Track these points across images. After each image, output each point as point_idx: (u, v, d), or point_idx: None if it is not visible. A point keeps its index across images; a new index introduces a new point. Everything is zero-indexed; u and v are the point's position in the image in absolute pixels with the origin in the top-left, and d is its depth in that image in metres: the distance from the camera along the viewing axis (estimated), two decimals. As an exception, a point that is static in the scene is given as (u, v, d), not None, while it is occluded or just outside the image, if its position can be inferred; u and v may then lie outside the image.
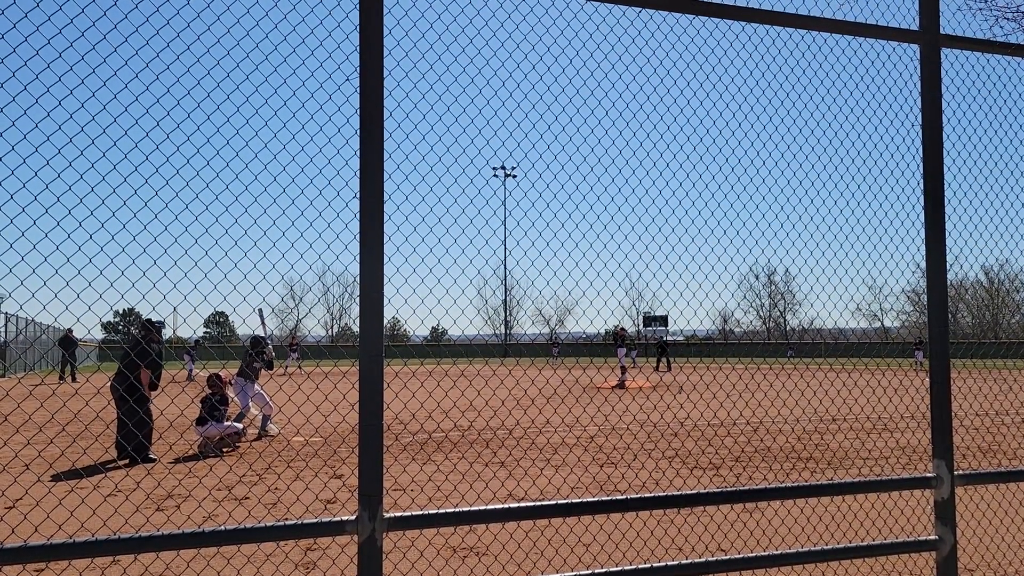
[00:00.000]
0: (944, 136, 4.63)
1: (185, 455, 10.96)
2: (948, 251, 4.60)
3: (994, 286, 73.72)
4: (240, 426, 11.56)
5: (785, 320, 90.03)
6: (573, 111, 4.25)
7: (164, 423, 12.62)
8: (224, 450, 11.22)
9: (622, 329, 28.01)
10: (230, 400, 11.80)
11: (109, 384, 10.35)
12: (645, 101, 4.44)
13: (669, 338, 48.20)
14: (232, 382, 12.67)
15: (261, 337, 13.71)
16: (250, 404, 13.11)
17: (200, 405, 11.22)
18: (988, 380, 27.23)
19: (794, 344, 64.49)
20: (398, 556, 5.86)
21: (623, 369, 26.24)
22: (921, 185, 4.61)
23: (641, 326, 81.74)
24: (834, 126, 4.96)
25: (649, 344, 61.27)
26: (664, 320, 70.14)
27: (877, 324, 75.97)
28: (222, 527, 3.33)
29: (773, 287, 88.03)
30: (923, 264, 4.61)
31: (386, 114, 3.55)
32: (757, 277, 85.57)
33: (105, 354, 49.36)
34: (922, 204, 4.61)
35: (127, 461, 10.30)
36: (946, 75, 4.75)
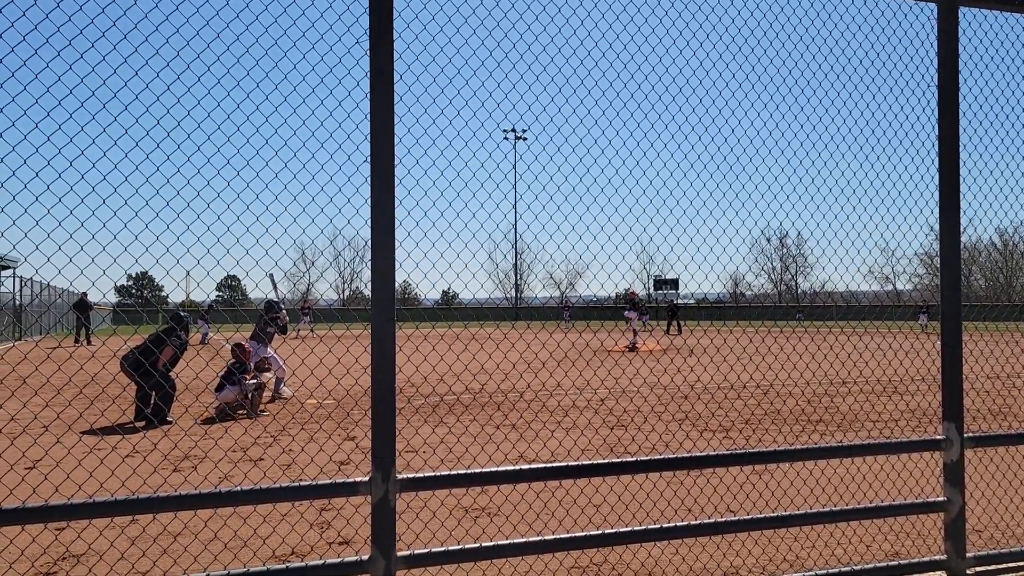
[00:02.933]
0: (960, 97, 4.56)
1: (201, 417, 11.10)
2: (962, 213, 4.56)
3: (1008, 248, 73.13)
4: (254, 382, 11.66)
5: (797, 283, 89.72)
6: (584, 73, 4.21)
7: (180, 386, 12.78)
8: (249, 410, 11.32)
9: (632, 292, 27.97)
10: (250, 370, 11.91)
11: (119, 362, 10.52)
12: (657, 63, 4.38)
13: (680, 301, 48.14)
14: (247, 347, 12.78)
15: (275, 302, 13.78)
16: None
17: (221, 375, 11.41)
18: (1000, 343, 27.13)
19: (804, 307, 64.30)
20: (411, 516, 5.94)
21: (634, 332, 26.26)
22: (936, 146, 4.56)
23: (652, 289, 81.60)
24: (848, 87, 4.90)
25: (660, 307, 61.24)
26: (675, 283, 69.97)
27: (889, 287, 75.60)
28: (238, 487, 3.39)
29: (785, 250, 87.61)
30: (937, 226, 4.58)
31: (396, 76, 3.53)
32: (769, 240, 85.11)
33: (120, 317, 49.77)
34: (936, 165, 4.56)
35: (144, 423, 10.45)
36: (963, 34, 4.67)
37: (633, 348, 24.92)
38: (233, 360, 11.81)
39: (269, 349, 13.30)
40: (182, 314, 11.40)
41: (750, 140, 4.75)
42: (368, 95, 3.49)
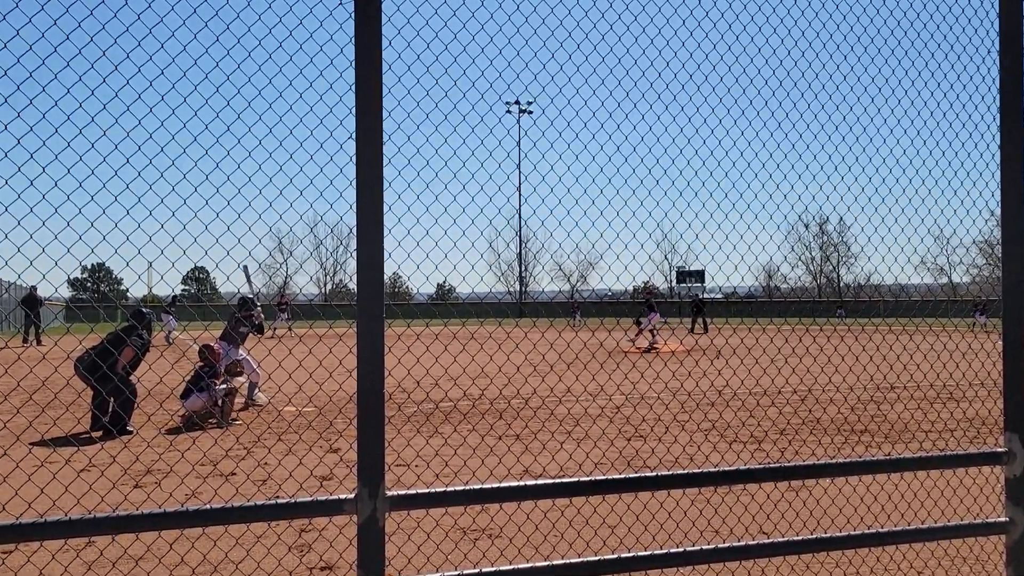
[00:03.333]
0: (1025, 63, 4.54)
1: (166, 427, 11.13)
2: (1027, 196, 4.53)
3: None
4: (224, 387, 11.73)
5: (839, 275, 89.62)
6: (598, 38, 4.20)
7: (141, 391, 12.82)
8: (220, 418, 11.38)
9: (649, 292, 28.12)
10: (220, 373, 11.97)
11: (73, 365, 10.53)
12: (680, 26, 4.37)
13: (706, 296, 48.11)
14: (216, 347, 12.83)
15: (249, 298, 13.85)
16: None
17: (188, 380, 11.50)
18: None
19: (847, 302, 64.24)
20: (402, 538, 5.96)
21: (652, 332, 26.29)
22: (997, 120, 4.54)
23: (674, 282, 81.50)
24: (898, 53, 4.88)
25: (683, 303, 61.28)
26: (700, 275, 69.97)
27: (944, 280, 75.46)
28: (207, 506, 3.40)
29: (825, 238, 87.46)
30: (998, 211, 4.56)
31: (385, 43, 3.52)
32: (807, 227, 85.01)
33: (74, 314, 49.91)
34: (997, 142, 4.54)
35: (101, 433, 10.47)
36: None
37: (651, 349, 24.97)
38: (201, 363, 11.85)
39: (241, 351, 13.35)
40: (144, 310, 11.46)
41: (786, 113, 4.74)
42: (353, 63, 3.48)
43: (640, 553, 4.02)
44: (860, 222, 5.21)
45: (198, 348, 12.31)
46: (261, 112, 3.60)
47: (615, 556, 3.93)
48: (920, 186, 5.11)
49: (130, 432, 10.61)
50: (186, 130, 3.55)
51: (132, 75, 3.41)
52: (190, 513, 3.38)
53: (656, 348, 25.27)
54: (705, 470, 4.13)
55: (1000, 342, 4.57)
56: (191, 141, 3.59)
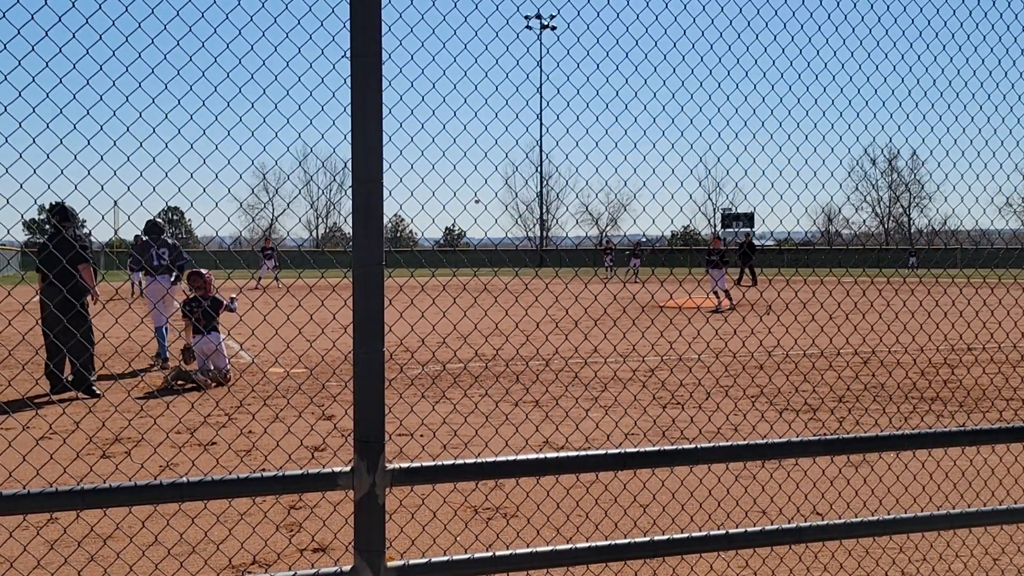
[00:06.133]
0: None
1: (136, 388, 11.23)
2: None
3: None
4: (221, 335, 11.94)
5: (909, 219, 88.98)
6: (633, -62, 4.12)
7: (107, 348, 12.88)
8: (209, 380, 11.51)
9: (716, 238, 27.86)
10: (223, 305, 12.11)
11: (39, 298, 10.51)
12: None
13: (756, 242, 47.89)
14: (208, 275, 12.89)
15: (156, 222, 13.76)
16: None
17: (184, 310, 11.66)
18: None
19: (919, 250, 63.82)
20: (404, 517, 6.02)
21: (721, 292, 25.48)
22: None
23: (719, 226, 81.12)
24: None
25: (729, 250, 61.05)
26: (749, 219, 69.58)
27: (1032, 224, 74.68)
28: (184, 479, 3.43)
29: (895, 175, 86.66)
30: (1099, 144, 4.49)
31: (383, -56, 3.47)
32: (874, 162, 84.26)
33: (29, 260, 50.29)
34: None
35: (64, 395, 10.59)
36: None
37: (719, 308, 24.49)
38: (196, 291, 12.03)
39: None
40: (67, 207, 11.29)
41: (852, 28, 4.65)
42: (347, -32, 3.43)
43: (676, 535, 4.05)
44: (936, 156, 5.15)
45: (187, 275, 12.48)
46: (241, 26, 3.56)
47: (647, 539, 3.96)
48: (1007, 114, 5.03)
49: (96, 395, 10.71)
50: (155, 47, 3.52)
51: (91, -17, 3.37)
52: (164, 487, 3.41)
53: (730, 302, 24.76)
54: (751, 442, 4.14)
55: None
56: (160, 60, 3.56)
